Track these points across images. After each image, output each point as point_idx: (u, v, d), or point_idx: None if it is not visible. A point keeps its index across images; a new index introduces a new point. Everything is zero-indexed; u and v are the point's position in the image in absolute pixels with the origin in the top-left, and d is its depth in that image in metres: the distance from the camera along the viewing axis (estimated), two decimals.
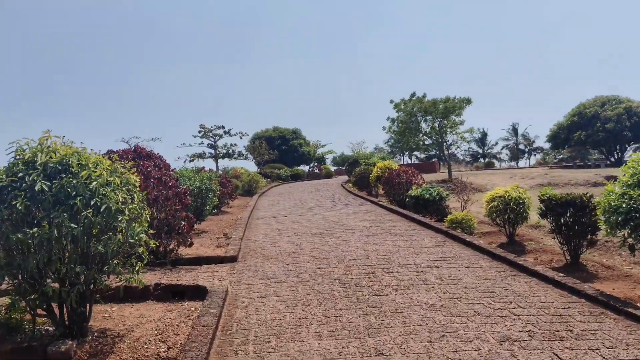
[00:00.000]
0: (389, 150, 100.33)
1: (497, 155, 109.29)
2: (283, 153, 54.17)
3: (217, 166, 52.37)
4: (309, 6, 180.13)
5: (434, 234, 11.60)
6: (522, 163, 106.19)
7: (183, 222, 9.14)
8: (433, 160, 66.31)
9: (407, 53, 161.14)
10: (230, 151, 52.26)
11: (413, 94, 29.93)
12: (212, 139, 52.50)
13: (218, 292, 6.84)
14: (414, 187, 16.76)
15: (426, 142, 31.85)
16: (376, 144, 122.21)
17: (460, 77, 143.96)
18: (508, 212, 10.88)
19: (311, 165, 58.45)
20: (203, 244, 11.10)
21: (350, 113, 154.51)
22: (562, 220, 8.98)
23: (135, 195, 5.73)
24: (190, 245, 9.20)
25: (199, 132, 51.73)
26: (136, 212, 5.63)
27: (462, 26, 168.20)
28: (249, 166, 59.55)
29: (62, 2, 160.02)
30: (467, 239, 10.17)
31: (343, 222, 13.92)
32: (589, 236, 8.83)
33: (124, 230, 5.33)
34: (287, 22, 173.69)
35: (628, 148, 50.30)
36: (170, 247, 9.12)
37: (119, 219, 5.20)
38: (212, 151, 52.88)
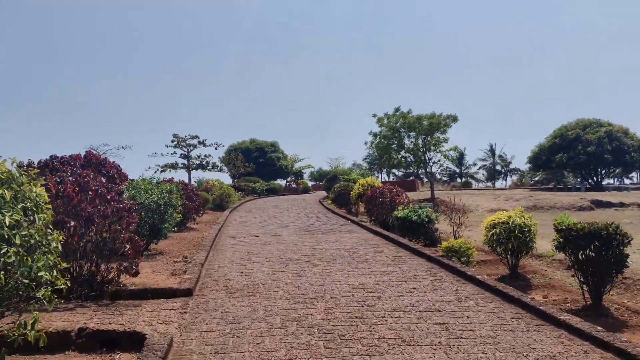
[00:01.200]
0: (367, 167, 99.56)
1: (474, 175, 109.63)
2: (260, 166, 52.48)
3: (189, 177, 50.32)
4: (292, 15, 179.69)
5: (426, 263, 10.10)
6: (498, 184, 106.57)
7: (128, 246, 7.42)
8: (412, 178, 65.39)
9: (387, 69, 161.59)
10: (204, 162, 50.29)
11: (397, 109, 28.73)
12: (186, 149, 50.49)
13: (158, 344, 5.16)
14: (399, 208, 15.29)
15: (408, 159, 30.55)
16: (354, 161, 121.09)
17: (438, 95, 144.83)
18: (512, 241, 9.46)
19: (288, 179, 56.82)
20: (156, 269, 9.37)
21: (329, 129, 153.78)
22: (582, 255, 7.57)
23: (37, 215, 4.06)
24: (136, 274, 7.47)
25: (172, 141, 49.68)
26: (36, 240, 3.97)
27: (441, 43, 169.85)
28: (224, 178, 57.50)
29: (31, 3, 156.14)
30: (469, 273, 8.68)
31: (322, 245, 12.31)
32: (615, 274, 7.44)
33: (11, 267, 3.67)
34: (266, 30, 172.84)
35: (604, 172, 50.15)
36: (110, 276, 7.39)
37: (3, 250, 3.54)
38: (185, 162, 50.86)
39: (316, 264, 9.74)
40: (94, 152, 11.07)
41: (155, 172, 50.40)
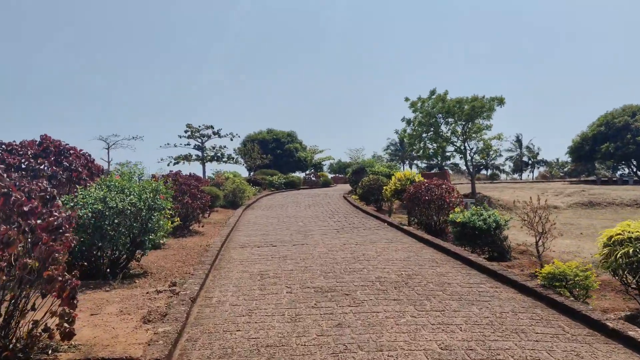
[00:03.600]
0: (389, 159, 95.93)
1: (501, 167, 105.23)
2: (277, 158, 49.42)
3: (204, 170, 47.57)
4: (310, 5, 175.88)
5: (521, 297, 6.86)
6: (524, 176, 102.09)
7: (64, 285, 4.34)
8: (442, 170, 61.48)
9: (408, 57, 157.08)
10: (219, 154, 47.43)
11: (433, 91, 25.18)
12: (200, 140, 47.68)
13: None
14: (456, 210, 12.05)
15: (447, 149, 27.01)
16: (374, 152, 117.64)
17: (462, 82, 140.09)
18: None
19: (308, 172, 53.67)
20: (126, 307, 6.31)
21: (348, 119, 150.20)
22: None
23: None
24: (68, 336, 4.39)
25: (185, 131, 46.92)
26: None
27: (465, 29, 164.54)
28: (240, 171, 54.67)
29: None
30: (610, 325, 5.42)
31: (361, 262, 9.15)
32: None
33: None
34: (284, 18, 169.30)
35: None
36: (37, 331, 4.34)
37: None
38: (199, 153, 48.06)
39: (361, 301, 6.57)
40: (51, 137, 7.99)
41: (168, 165, 47.82)
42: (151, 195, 8.18)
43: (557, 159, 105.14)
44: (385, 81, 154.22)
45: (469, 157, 26.65)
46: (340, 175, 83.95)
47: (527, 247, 11.78)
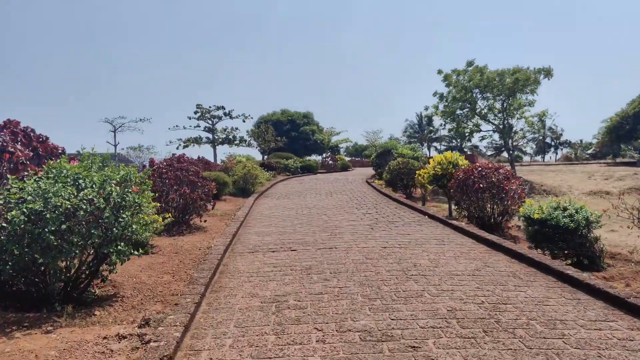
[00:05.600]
0: (406, 141, 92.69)
1: (522, 149, 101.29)
2: (292, 140, 46.79)
3: (215, 153, 45.20)
4: None
5: None
6: (547, 157, 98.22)
7: None
8: (462, 152, 58.30)
9: (430, 36, 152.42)
10: (230, 136, 44.97)
11: (470, 62, 22.15)
12: (210, 122, 45.27)
13: None
14: (528, 202, 9.41)
15: (482, 128, 24.07)
16: (391, 134, 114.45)
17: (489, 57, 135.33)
18: None
19: (325, 155, 50.97)
20: None
21: (365, 100, 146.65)
22: None
23: None
24: None
25: (195, 112, 44.52)
26: None
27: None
28: (254, 154, 52.20)
29: None
30: None
31: (416, 280, 6.56)
32: None
33: None
34: None
35: None
36: None
37: None
38: (210, 136, 45.67)
39: None
40: None
41: (177, 147, 45.54)
42: (118, 188, 5.65)
43: (581, 140, 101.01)
44: (405, 61, 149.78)
45: (510, 137, 23.68)
46: (357, 159, 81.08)
47: (615, 247, 9.05)
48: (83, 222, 5.31)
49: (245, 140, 44.48)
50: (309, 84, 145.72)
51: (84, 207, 5.29)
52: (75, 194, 5.28)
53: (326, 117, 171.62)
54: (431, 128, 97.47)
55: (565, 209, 8.39)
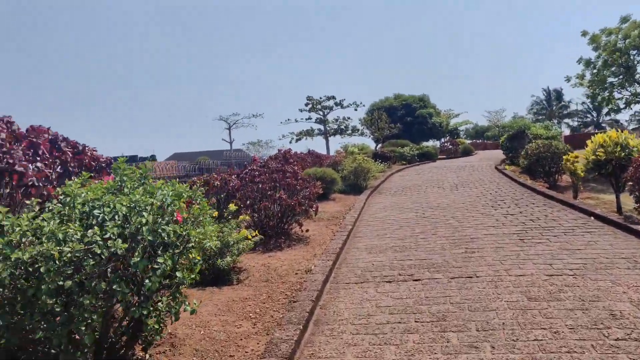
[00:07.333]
0: (532, 119, 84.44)
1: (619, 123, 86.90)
2: (407, 126, 43.86)
3: (327, 144, 43.87)
4: None
5: None
6: None
7: None
8: (600, 128, 50.85)
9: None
10: (342, 126, 43.30)
11: (625, 18, 17.81)
12: (321, 113, 43.94)
13: None
14: None
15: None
16: (514, 113, 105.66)
17: None
18: None
19: (444, 140, 47.31)
20: None
21: (483, 78, 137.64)
22: None
23: None
24: None
25: (306, 104, 43.45)
26: None
27: None
28: (367, 142, 50.16)
29: None
30: None
31: (629, 348, 3.95)
32: None
33: None
34: None
35: None
36: None
37: None
38: (322, 127, 44.38)
39: None
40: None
41: (290, 142, 44.94)
42: (151, 218, 3.78)
43: None
44: (531, 29, 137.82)
45: None
46: (478, 141, 75.50)
47: None
48: (95, 275, 3.52)
49: (358, 130, 42.53)
50: (423, 66, 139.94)
51: (98, 251, 3.49)
52: (80, 233, 3.49)
53: (443, 99, 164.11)
54: (562, 103, 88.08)
55: None
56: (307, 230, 9.81)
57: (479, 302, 5.27)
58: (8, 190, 4.13)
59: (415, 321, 4.87)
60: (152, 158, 48.13)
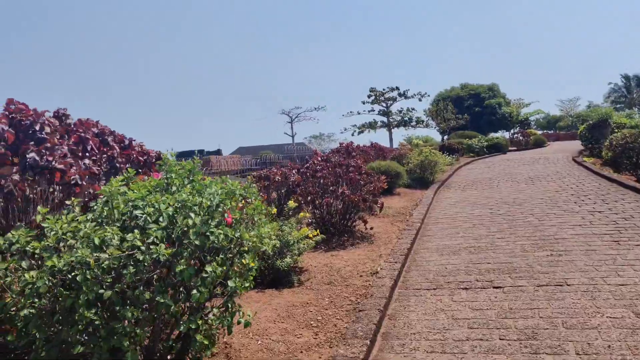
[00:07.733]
0: (613, 107, 78.96)
1: None
2: (475, 116, 42.05)
3: (390, 137, 42.90)
4: None
5: None
6: None
7: None
8: None
9: None
10: (406, 118, 42.13)
11: None
12: (384, 104, 42.96)
13: None
14: None
15: None
16: (589, 101, 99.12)
17: None
18: None
19: (513, 131, 44.99)
20: None
21: (556, 66, 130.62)
22: None
23: None
24: None
25: (369, 96, 42.64)
26: None
27: None
28: (432, 134, 48.58)
29: None
30: None
31: None
32: None
33: None
34: None
35: None
36: None
37: None
38: (385, 119, 43.41)
39: None
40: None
41: (352, 134, 44.36)
42: (198, 220, 3.37)
43: None
44: (606, 12, 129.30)
45: None
46: (550, 132, 71.62)
47: None
48: (139, 284, 3.15)
49: (423, 121, 41.23)
50: (491, 54, 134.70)
51: (140, 258, 3.12)
52: (120, 237, 3.13)
53: (513, 89, 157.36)
54: None
55: None
56: (371, 228, 9.25)
57: (575, 317, 4.52)
58: (51, 190, 3.87)
59: (500, 338, 4.22)
60: (218, 152, 48.95)
